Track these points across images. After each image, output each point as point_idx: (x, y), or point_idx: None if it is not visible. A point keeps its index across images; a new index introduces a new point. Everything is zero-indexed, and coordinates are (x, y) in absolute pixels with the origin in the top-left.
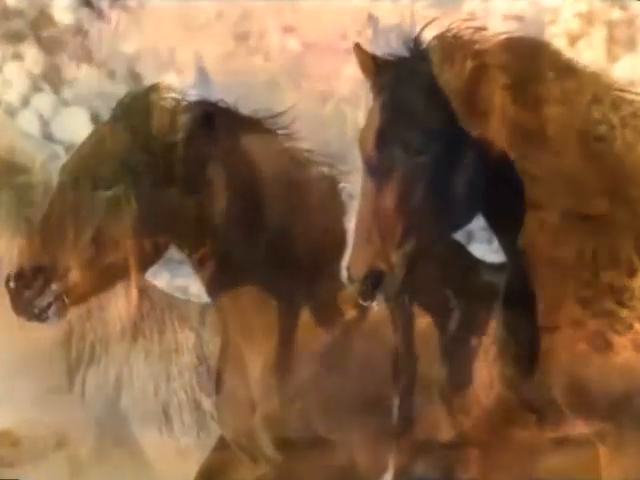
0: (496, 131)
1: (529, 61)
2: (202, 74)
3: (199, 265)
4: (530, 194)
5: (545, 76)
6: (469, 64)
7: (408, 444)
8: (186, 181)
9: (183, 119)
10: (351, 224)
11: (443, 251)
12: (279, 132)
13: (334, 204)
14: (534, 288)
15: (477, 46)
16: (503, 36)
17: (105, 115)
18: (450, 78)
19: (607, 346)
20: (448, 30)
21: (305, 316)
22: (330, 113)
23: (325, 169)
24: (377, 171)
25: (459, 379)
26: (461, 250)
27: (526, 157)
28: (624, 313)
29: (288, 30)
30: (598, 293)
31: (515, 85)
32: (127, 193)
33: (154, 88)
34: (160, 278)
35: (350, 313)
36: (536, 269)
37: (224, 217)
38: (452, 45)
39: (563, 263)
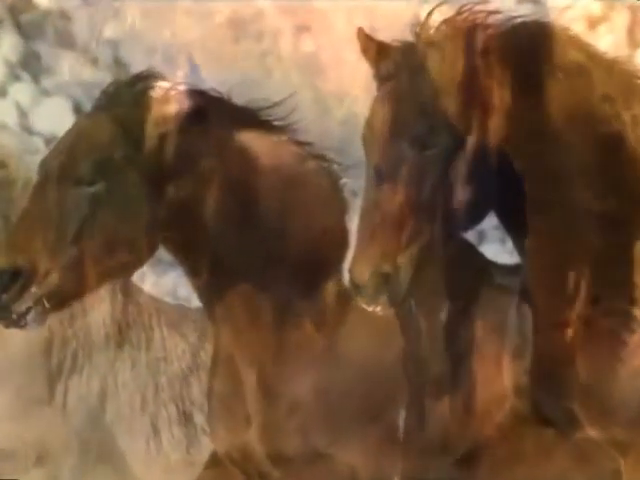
0: (496, 129)
1: (535, 54)
2: (192, 65)
3: (190, 267)
4: (538, 192)
5: (552, 72)
6: (472, 54)
7: (415, 456)
8: (176, 177)
9: (172, 110)
10: (353, 223)
11: (452, 252)
12: (276, 123)
13: (335, 201)
14: (541, 287)
15: (489, 31)
16: (517, 20)
17: (88, 105)
18: (452, 66)
19: (621, 345)
20: (459, 13)
21: (304, 322)
22: (344, 112)
23: (325, 163)
24: (382, 166)
25: (465, 390)
26: (472, 251)
27: (530, 155)
28: (637, 311)
29: (302, 30)
30: (609, 291)
31: (517, 81)
32: (112, 190)
33: (141, 76)
34: (147, 281)
35: (339, 311)
36: (545, 268)
37: (217, 215)
38: (461, 31)
39: (573, 261)
